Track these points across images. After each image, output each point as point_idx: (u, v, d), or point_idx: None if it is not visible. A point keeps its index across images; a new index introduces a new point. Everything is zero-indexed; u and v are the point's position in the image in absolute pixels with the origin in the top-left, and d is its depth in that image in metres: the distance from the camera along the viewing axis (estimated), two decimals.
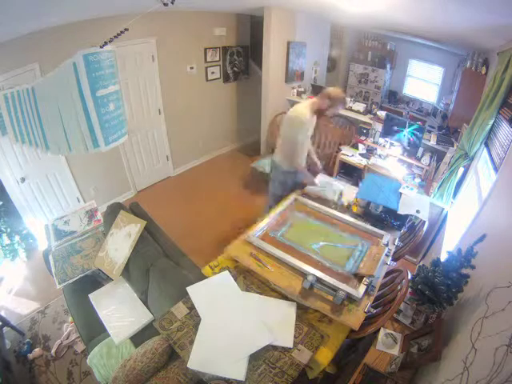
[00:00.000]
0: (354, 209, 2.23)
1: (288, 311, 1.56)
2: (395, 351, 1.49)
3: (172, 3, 2.08)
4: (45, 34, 2.47)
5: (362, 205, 2.21)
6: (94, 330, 1.90)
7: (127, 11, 2.78)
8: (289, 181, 2.47)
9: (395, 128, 3.46)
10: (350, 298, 1.51)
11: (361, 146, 3.72)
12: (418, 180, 3.17)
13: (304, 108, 2.22)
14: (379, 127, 3.68)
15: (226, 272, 1.75)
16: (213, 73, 4.32)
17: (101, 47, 1.57)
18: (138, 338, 1.78)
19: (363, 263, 1.72)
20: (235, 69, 4.62)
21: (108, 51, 1.71)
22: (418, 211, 2.11)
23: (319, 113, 2.26)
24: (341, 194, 2.37)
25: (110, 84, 1.84)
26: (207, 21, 3.91)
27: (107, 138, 1.93)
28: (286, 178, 2.46)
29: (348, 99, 4.15)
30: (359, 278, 1.63)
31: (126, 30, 1.69)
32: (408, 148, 3.44)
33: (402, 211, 2.08)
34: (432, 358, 1.30)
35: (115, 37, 1.64)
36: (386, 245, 1.85)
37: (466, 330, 1.22)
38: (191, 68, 4.01)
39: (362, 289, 1.54)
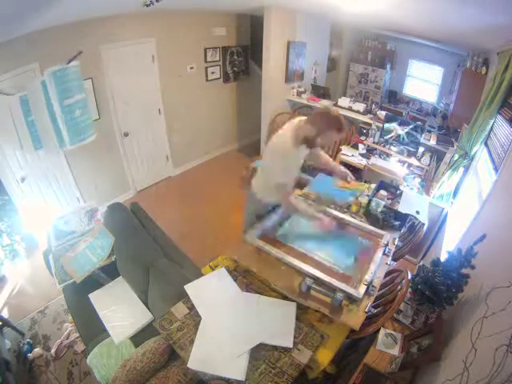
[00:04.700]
0: (354, 208, 2.24)
1: (288, 311, 1.56)
2: (395, 351, 1.49)
3: (153, 3, 2.20)
4: (45, 34, 2.47)
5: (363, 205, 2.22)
6: (93, 330, 1.90)
7: (127, 11, 2.80)
8: (260, 208, 2.14)
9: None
10: (350, 298, 1.51)
11: (361, 146, 3.72)
12: (418, 180, 3.16)
13: (289, 137, 1.73)
14: (379, 127, 3.67)
15: (223, 269, 1.75)
16: (213, 73, 4.32)
17: (67, 64, 1.89)
18: (138, 338, 1.78)
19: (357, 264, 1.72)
20: (235, 69, 4.62)
21: (74, 66, 2.35)
22: (417, 212, 2.10)
23: (308, 142, 1.72)
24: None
25: (76, 94, 2.43)
26: (207, 21, 3.91)
27: (73, 138, 2.54)
28: (258, 205, 2.12)
29: (348, 99, 4.16)
30: (360, 277, 1.63)
31: (81, 52, 2.43)
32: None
33: (402, 210, 2.08)
34: (432, 358, 1.31)
35: (73, 58, 2.32)
36: (386, 245, 1.85)
37: (465, 330, 1.22)
38: (191, 68, 4.01)
39: (363, 289, 1.54)
